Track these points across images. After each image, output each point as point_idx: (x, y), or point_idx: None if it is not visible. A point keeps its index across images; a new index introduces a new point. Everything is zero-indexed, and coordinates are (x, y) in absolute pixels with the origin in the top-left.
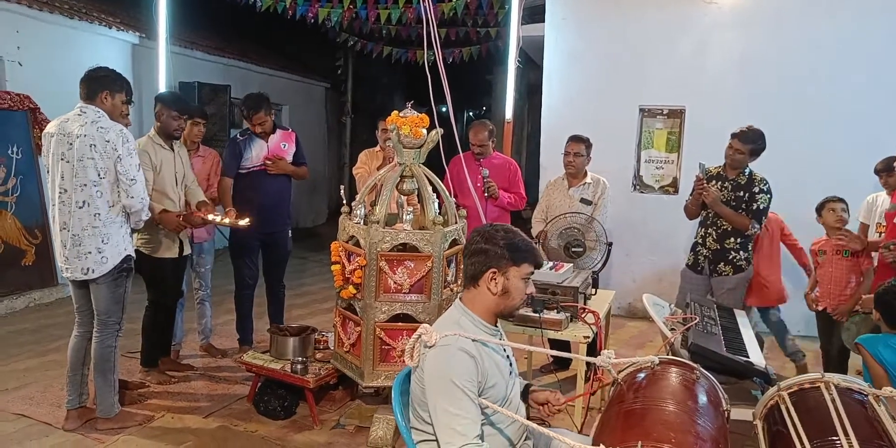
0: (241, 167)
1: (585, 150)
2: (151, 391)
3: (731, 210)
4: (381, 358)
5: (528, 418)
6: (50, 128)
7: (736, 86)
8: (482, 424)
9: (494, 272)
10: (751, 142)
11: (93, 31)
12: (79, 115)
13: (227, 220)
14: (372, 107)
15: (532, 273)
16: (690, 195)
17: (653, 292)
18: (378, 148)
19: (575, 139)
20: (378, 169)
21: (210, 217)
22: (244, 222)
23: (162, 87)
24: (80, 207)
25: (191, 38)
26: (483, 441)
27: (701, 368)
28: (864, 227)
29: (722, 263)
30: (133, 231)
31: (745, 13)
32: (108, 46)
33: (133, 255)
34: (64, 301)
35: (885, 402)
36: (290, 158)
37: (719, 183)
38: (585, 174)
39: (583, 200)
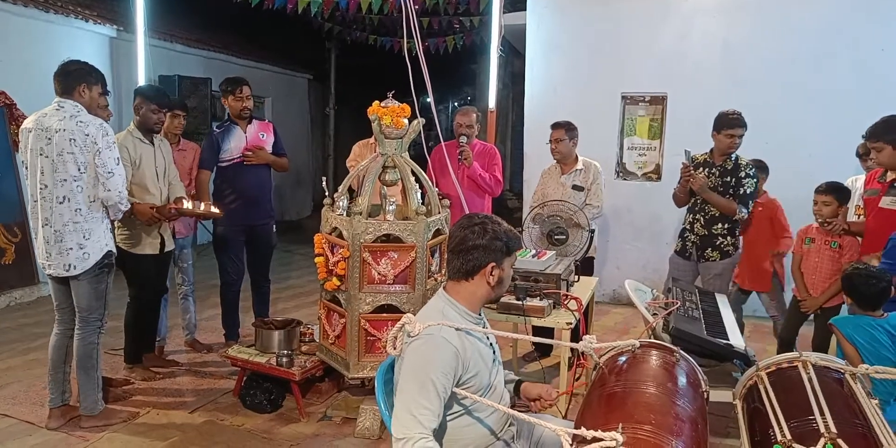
0: (220, 160)
1: (567, 134)
2: (136, 388)
3: (718, 196)
4: (367, 349)
5: (513, 406)
6: (27, 123)
7: (717, 72)
8: (462, 414)
9: (494, 266)
10: (745, 125)
11: (69, 25)
12: (57, 109)
13: (200, 209)
14: (356, 98)
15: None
16: (678, 183)
17: (637, 279)
18: (373, 139)
19: (554, 126)
20: None
21: (184, 205)
22: (215, 210)
23: (141, 81)
24: (61, 203)
25: (170, 30)
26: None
27: (680, 351)
28: (845, 210)
29: (709, 249)
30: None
31: None
32: (86, 40)
33: (114, 250)
34: (45, 299)
35: (862, 379)
36: (269, 149)
37: (706, 169)
38: (576, 160)
39: (574, 187)
